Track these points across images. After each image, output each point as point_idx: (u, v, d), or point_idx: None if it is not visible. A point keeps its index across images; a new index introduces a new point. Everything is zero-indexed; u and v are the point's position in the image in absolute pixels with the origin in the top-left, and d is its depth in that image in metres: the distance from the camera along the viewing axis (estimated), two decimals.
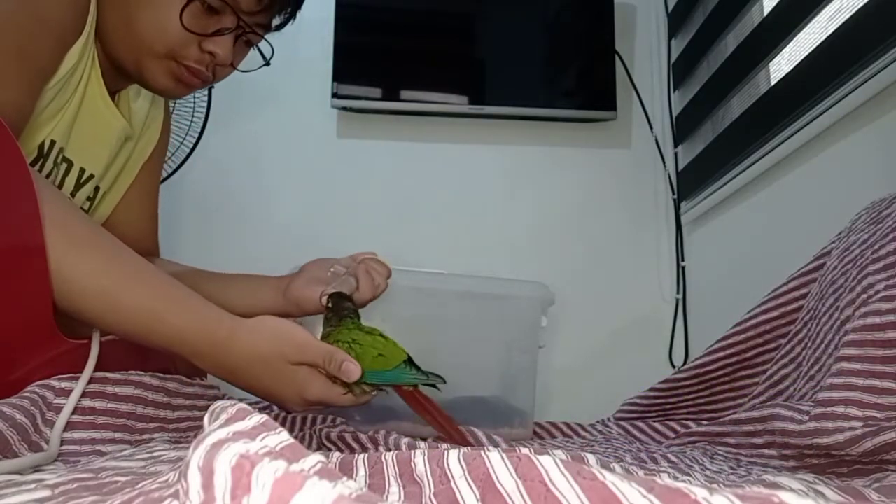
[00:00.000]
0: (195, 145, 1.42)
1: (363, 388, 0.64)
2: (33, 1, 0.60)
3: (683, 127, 1.57)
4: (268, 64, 0.80)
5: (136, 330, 0.57)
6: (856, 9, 0.94)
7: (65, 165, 0.74)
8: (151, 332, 0.57)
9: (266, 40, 0.79)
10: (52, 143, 0.70)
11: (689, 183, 1.52)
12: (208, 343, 0.58)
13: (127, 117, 0.81)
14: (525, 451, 0.41)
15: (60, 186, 0.74)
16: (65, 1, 0.64)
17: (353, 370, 0.60)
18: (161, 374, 0.66)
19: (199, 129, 1.42)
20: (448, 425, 0.69)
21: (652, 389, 1.05)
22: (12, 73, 0.58)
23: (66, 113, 0.70)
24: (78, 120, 0.72)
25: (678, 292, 1.54)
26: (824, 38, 1.01)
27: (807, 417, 0.61)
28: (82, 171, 0.77)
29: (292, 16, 0.78)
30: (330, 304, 0.72)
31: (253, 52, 0.80)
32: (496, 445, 0.72)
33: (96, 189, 0.81)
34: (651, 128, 1.65)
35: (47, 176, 0.70)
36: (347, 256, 0.83)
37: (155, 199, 0.94)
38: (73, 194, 0.77)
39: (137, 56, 0.71)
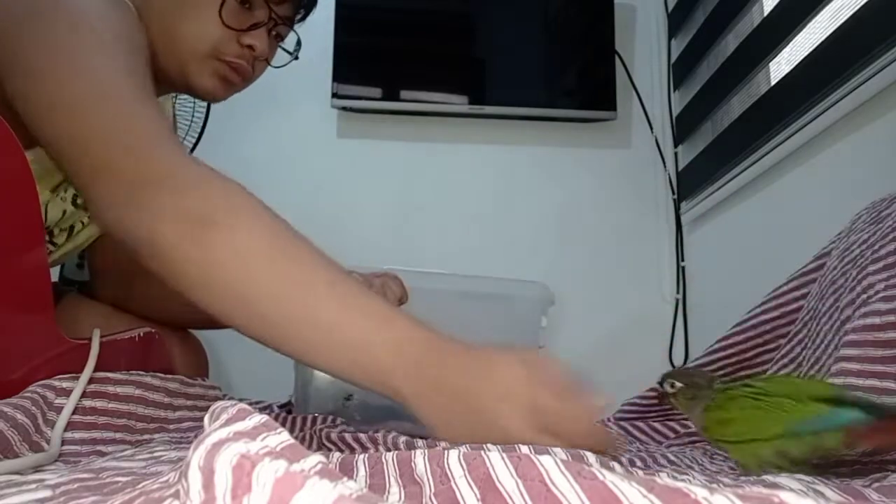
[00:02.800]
0: (195, 145, 1.42)
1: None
2: (111, 26, 0.61)
3: (683, 127, 1.57)
4: (296, 58, 0.86)
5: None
6: (856, 9, 0.94)
7: None
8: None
9: (295, 31, 0.84)
10: None
11: (689, 183, 1.52)
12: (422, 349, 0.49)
13: None
14: (525, 450, 0.41)
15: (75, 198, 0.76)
16: (133, 23, 0.67)
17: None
18: (162, 374, 0.66)
19: (199, 129, 1.42)
20: None
21: (652, 389, 1.05)
22: (139, 88, 0.59)
23: None
24: None
25: (678, 292, 1.54)
26: (824, 38, 1.01)
27: None
28: None
29: (314, 4, 0.83)
30: None
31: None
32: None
33: None
34: (651, 128, 1.65)
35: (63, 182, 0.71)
36: (369, 273, 0.85)
37: None
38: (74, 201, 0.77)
39: (182, 62, 0.74)
